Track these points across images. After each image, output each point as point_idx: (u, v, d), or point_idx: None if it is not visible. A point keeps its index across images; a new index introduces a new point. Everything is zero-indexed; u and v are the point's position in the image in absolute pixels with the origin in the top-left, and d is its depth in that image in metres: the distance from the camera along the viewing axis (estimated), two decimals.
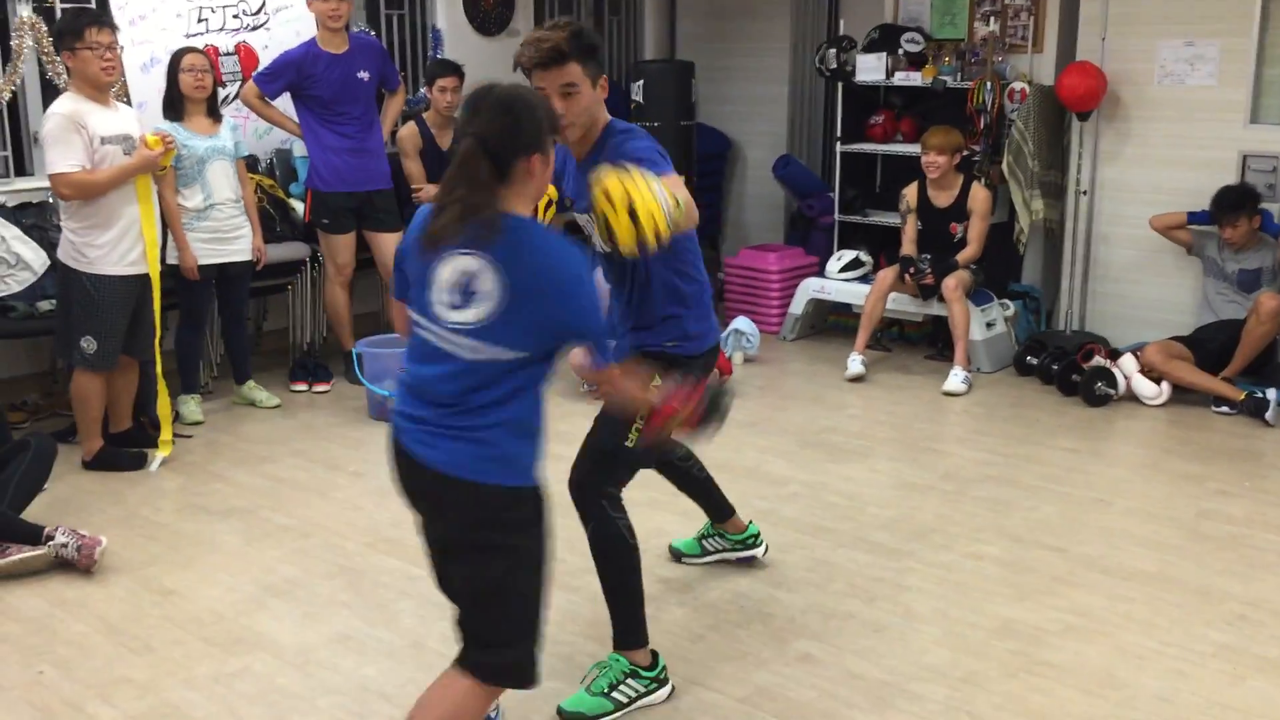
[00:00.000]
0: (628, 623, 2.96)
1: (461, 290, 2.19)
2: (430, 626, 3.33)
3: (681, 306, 2.99)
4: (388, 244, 5.63)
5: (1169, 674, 3.05)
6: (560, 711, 2.88)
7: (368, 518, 4.12)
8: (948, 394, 5.54)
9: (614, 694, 2.90)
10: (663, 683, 2.97)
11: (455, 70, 5.93)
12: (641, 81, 6.38)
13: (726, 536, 3.72)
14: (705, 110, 7.65)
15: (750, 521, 3.74)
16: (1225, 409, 5.18)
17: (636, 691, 2.92)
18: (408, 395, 2.30)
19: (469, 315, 2.19)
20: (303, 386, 5.59)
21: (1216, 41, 5.72)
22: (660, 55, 7.88)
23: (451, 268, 2.20)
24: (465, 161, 2.18)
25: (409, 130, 5.94)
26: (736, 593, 3.54)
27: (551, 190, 2.98)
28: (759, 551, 3.72)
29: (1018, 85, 6.14)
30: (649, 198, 2.39)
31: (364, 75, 5.45)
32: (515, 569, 2.26)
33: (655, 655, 2.98)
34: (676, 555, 3.77)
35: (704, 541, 3.75)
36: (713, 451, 4.77)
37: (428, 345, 2.26)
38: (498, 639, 2.29)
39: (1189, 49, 5.81)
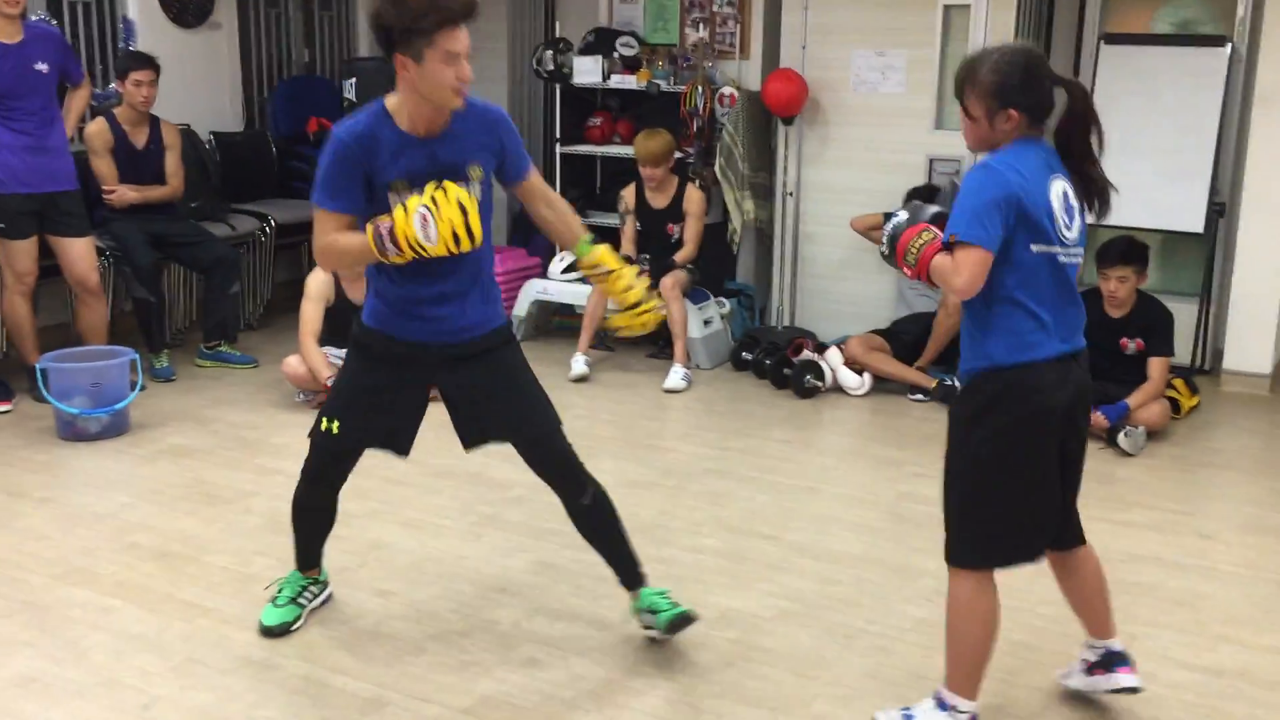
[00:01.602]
0: (635, 557, 3.18)
1: (1067, 209, 2.58)
2: (125, 661, 3.08)
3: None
4: (74, 250, 5.20)
5: (873, 650, 3.21)
6: (673, 620, 3.09)
7: (54, 548, 3.78)
8: (668, 391, 5.67)
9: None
10: None
11: (149, 63, 5.57)
12: (354, 79, 6.18)
13: (319, 581, 3.41)
14: None
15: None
16: (920, 396, 5.54)
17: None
18: (1062, 324, 2.59)
19: (1077, 228, 2.61)
20: None
21: (904, 52, 6.10)
22: (374, 53, 7.65)
23: (1057, 191, 2.57)
24: None
25: (98, 127, 5.53)
26: (460, 602, 3.47)
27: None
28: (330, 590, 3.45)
29: (727, 90, 6.35)
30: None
31: (42, 67, 5.01)
32: None
33: None
34: (276, 633, 3.23)
35: (299, 599, 3.33)
36: (433, 458, 4.69)
37: (1061, 271, 2.57)
38: None
39: (880, 59, 6.17)
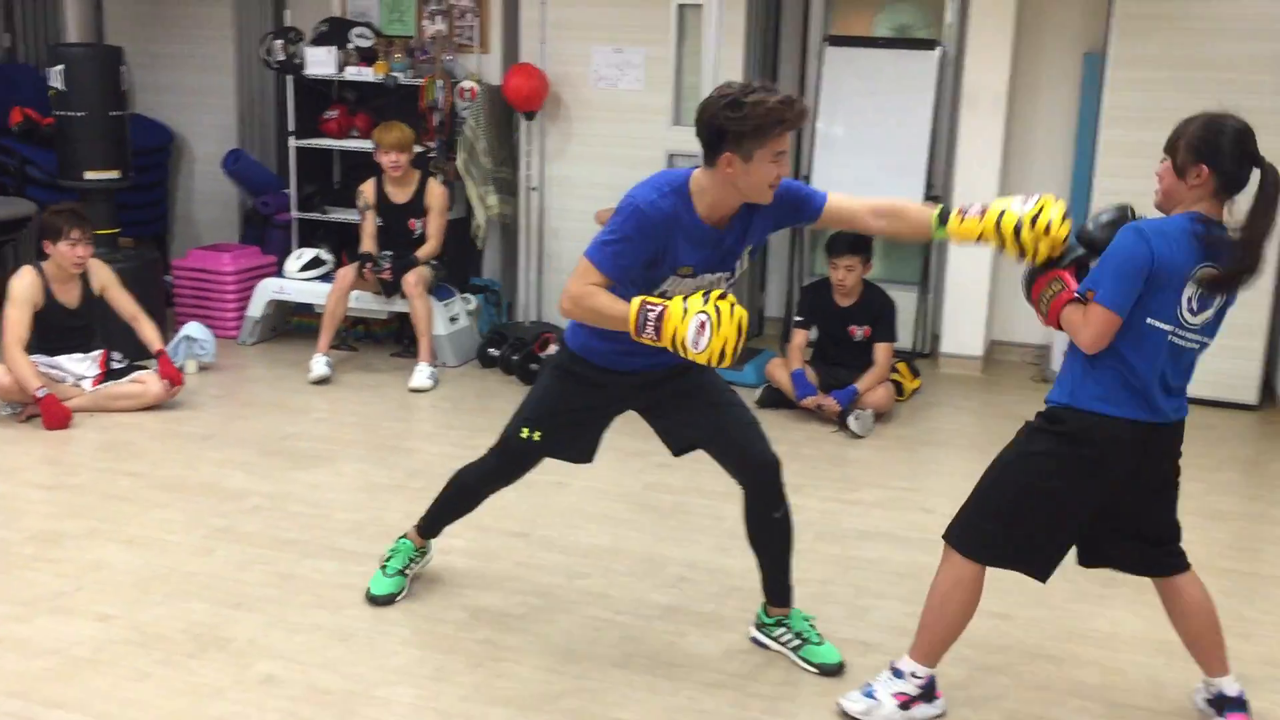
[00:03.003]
0: (791, 578, 3.21)
1: (1201, 296, 2.62)
2: None
3: None
4: None
5: (622, 641, 3.24)
6: (828, 667, 3.11)
7: None
8: (415, 390, 5.55)
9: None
10: None
11: None
12: (62, 67, 5.73)
13: (424, 551, 3.55)
14: (142, 100, 7.08)
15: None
16: None
17: None
18: (1156, 396, 2.66)
19: (1204, 317, 2.66)
20: None
21: (642, 49, 6.20)
22: (84, 38, 7.13)
23: (1198, 276, 2.61)
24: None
25: None
26: (190, 621, 3.27)
27: None
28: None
29: (467, 84, 6.27)
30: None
31: None
32: None
33: None
34: (381, 603, 3.41)
35: (406, 570, 3.49)
36: (159, 470, 4.43)
37: (1174, 349, 2.65)
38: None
39: (619, 55, 6.25)
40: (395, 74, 6.34)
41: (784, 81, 6.67)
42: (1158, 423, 2.68)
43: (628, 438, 4.95)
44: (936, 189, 6.22)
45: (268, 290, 6.22)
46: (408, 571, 3.46)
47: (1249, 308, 5.47)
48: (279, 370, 5.83)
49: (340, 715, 2.83)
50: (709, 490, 4.40)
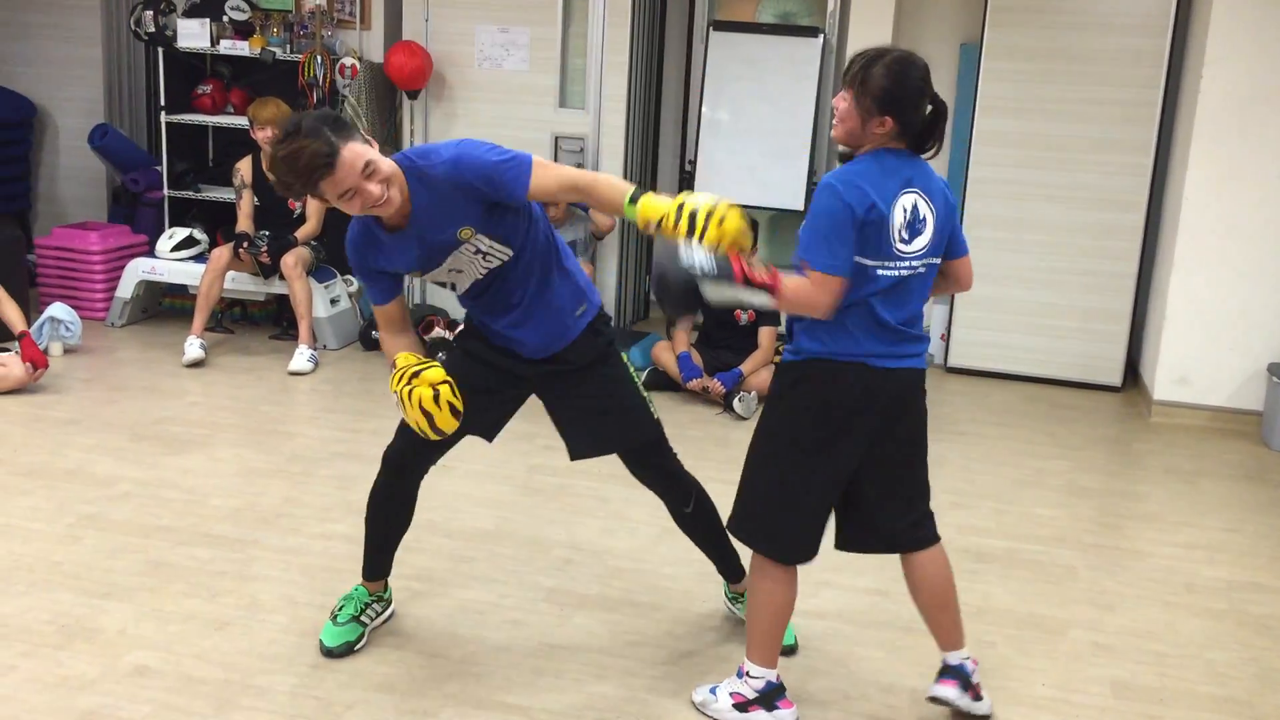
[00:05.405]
0: (734, 554, 3.20)
1: (911, 223, 2.57)
2: None
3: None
4: None
5: (506, 625, 3.22)
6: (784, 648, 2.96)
7: None
8: (294, 374, 5.43)
9: None
10: None
11: None
12: None
13: (383, 599, 3.21)
14: (2, 71, 6.76)
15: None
16: None
17: None
18: (881, 336, 2.61)
19: (920, 242, 2.59)
20: None
21: (527, 30, 6.15)
22: None
23: (904, 204, 2.56)
24: None
25: None
26: (57, 612, 3.15)
27: None
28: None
29: (348, 61, 6.14)
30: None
31: None
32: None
33: None
34: (337, 654, 3.03)
35: (361, 617, 3.12)
36: (21, 455, 4.26)
37: (890, 283, 2.58)
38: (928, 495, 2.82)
39: (504, 35, 6.19)
40: (273, 49, 6.18)
41: (669, 65, 6.69)
42: (885, 367, 2.62)
43: (513, 419, 4.92)
44: (819, 175, 6.31)
45: (138, 270, 6.01)
46: (364, 619, 3.10)
47: (1114, 293, 5.73)
48: (151, 353, 5.64)
49: (216, 705, 2.76)
50: (594, 472, 4.40)
